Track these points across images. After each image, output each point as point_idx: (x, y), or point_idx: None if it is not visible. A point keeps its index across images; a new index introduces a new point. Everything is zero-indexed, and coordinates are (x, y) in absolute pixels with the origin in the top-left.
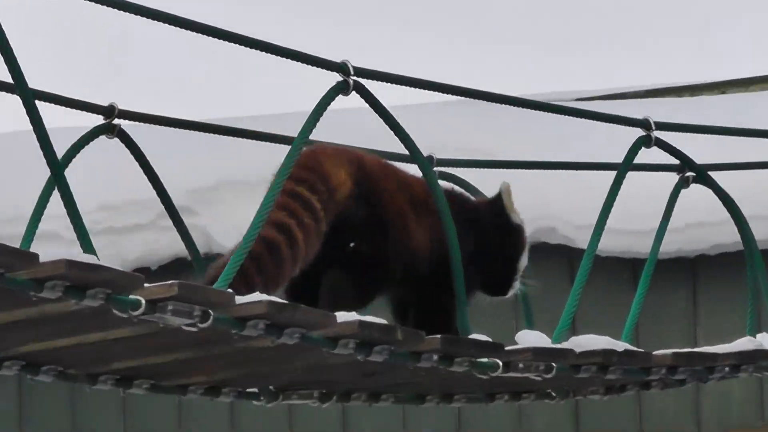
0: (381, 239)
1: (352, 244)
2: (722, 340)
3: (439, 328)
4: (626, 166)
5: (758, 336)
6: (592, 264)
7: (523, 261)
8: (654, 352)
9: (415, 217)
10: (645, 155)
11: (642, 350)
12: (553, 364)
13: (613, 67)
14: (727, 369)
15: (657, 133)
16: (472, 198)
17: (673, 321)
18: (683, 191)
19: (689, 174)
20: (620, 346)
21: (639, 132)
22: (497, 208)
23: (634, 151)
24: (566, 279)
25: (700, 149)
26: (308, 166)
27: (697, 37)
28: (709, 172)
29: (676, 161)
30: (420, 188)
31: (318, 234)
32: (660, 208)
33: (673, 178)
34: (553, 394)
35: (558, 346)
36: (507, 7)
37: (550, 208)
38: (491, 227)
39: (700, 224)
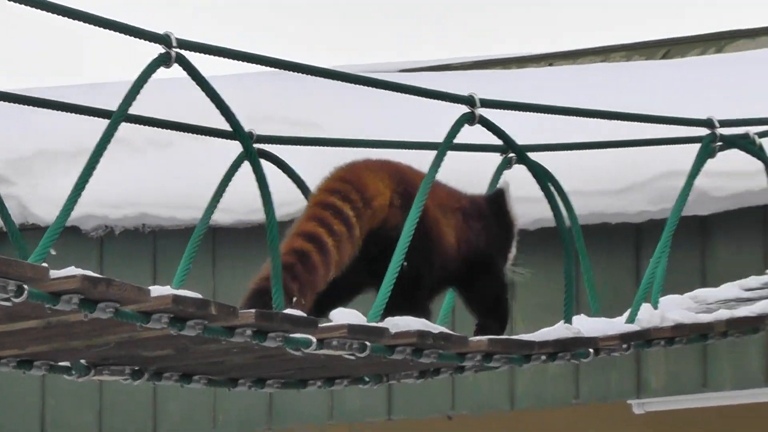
0: (425, 249)
1: (405, 263)
2: (542, 322)
3: (496, 307)
4: (447, 144)
5: (574, 321)
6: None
7: (513, 251)
8: (470, 338)
9: (445, 220)
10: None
11: (458, 334)
12: (367, 342)
13: (440, 38)
14: (543, 357)
15: (481, 111)
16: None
17: None
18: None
19: (512, 155)
20: (435, 328)
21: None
22: (500, 203)
23: (456, 129)
24: None
25: (526, 122)
26: (344, 179)
27: (527, 8)
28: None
29: None
30: (443, 191)
31: (351, 239)
32: (484, 184)
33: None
34: (367, 378)
35: (373, 324)
36: None
37: None
38: (494, 220)
39: (522, 199)
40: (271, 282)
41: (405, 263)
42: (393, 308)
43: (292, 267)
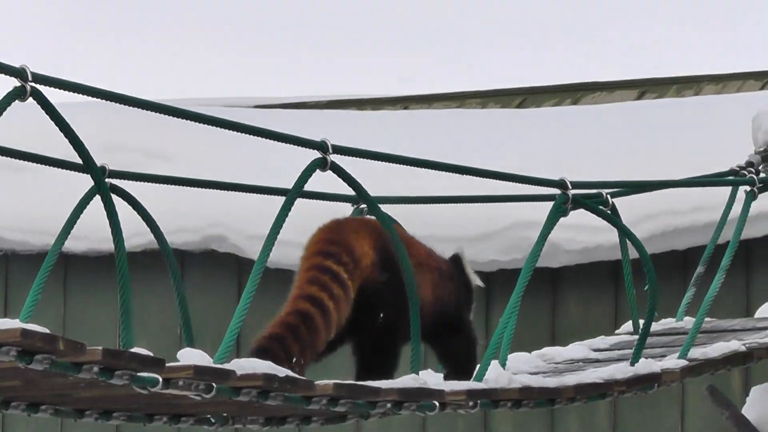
0: (401, 301)
1: (381, 315)
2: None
3: (466, 363)
4: (296, 191)
5: (421, 373)
6: (260, 279)
7: (471, 314)
8: (316, 382)
9: (423, 276)
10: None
11: (303, 378)
12: (213, 384)
13: (296, 76)
14: (389, 405)
15: (334, 157)
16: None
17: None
18: None
19: (363, 206)
20: (282, 371)
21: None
22: (458, 266)
23: (306, 175)
24: (234, 290)
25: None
26: (333, 241)
27: (378, 55)
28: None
29: None
30: (420, 249)
31: (347, 301)
32: None
33: None
34: (212, 419)
35: (220, 366)
36: (185, 8)
37: (221, 216)
38: (458, 280)
39: None
40: (271, 341)
41: (382, 315)
42: (367, 356)
43: (297, 329)
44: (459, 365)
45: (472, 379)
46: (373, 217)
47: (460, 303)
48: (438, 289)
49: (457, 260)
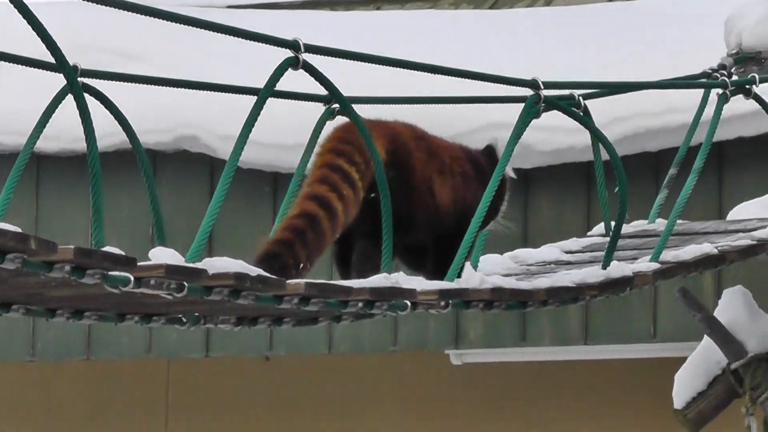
0: (404, 198)
1: (372, 195)
2: None
3: (444, 264)
4: (268, 90)
5: (393, 274)
6: (231, 178)
7: (505, 204)
8: (288, 281)
9: (441, 180)
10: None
11: (275, 277)
12: (185, 283)
13: None
14: (360, 304)
15: (306, 56)
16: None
17: None
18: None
19: (335, 106)
20: (254, 270)
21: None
22: (492, 158)
23: (278, 74)
24: (206, 191)
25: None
26: (347, 140)
27: None
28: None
29: None
30: (448, 154)
31: (356, 203)
32: (309, 123)
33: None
34: (184, 319)
35: (191, 265)
36: None
37: (192, 116)
38: (488, 173)
39: None
40: (280, 246)
41: (372, 195)
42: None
43: (304, 233)
44: (442, 266)
45: (445, 278)
46: (395, 120)
47: (495, 205)
48: (458, 193)
49: (491, 152)
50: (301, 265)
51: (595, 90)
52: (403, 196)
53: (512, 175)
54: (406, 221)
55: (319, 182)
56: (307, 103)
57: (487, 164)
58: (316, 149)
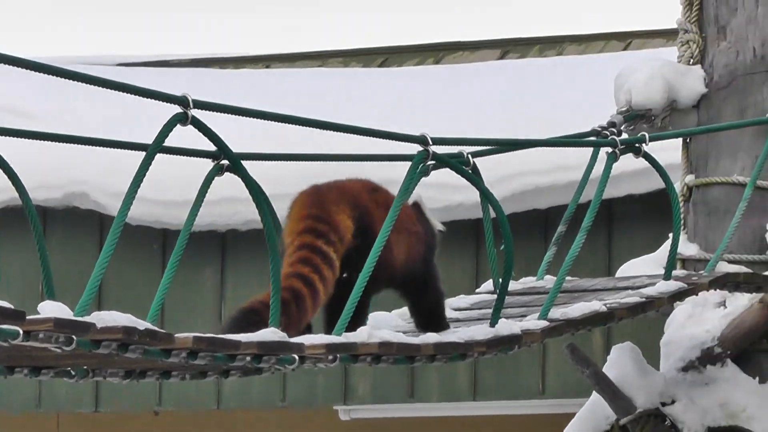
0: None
1: (344, 275)
2: None
3: (435, 315)
4: (157, 145)
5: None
6: (120, 234)
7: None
8: (176, 335)
9: (397, 238)
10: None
11: (164, 331)
12: (74, 336)
13: (159, 36)
14: (248, 358)
15: (195, 112)
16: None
17: (203, 297)
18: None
19: (224, 162)
20: (142, 324)
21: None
22: (420, 213)
23: (166, 129)
24: (96, 247)
25: (242, 127)
26: (321, 218)
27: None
28: (244, 162)
29: None
30: (403, 212)
31: (333, 279)
32: (197, 179)
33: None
34: (72, 372)
35: (80, 318)
36: None
37: (82, 173)
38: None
39: (233, 199)
40: (263, 306)
41: (344, 275)
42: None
43: (288, 305)
44: (428, 317)
45: (332, 333)
46: (349, 180)
47: (429, 258)
48: (412, 251)
49: (417, 207)
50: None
51: (485, 147)
52: (363, 259)
53: (440, 227)
54: (370, 281)
55: (302, 263)
56: (195, 161)
57: (422, 225)
58: (288, 220)
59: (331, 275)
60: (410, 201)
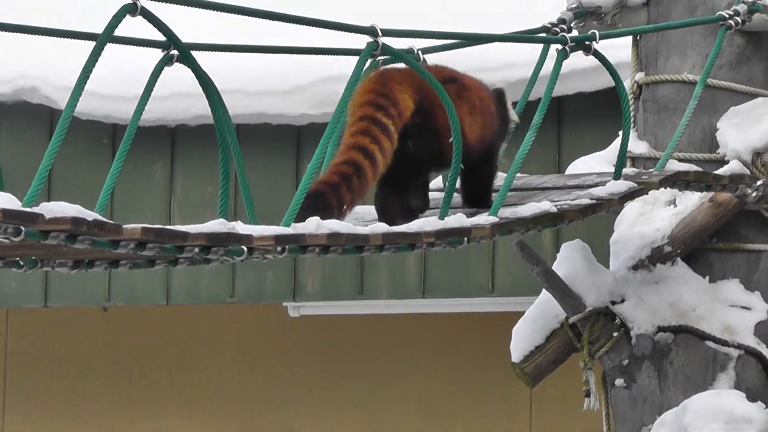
0: (432, 141)
1: (410, 147)
2: (201, 220)
3: (486, 191)
4: (106, 36)
5: (234, 223)
6: (68, 127)
7: (504, 146)
8: (124, 226)
9: (471, 121)
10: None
11: (112, 222)
12: (22, 227)
13: None
14: (197, 249)
15: (145, 2)
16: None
17: (152, 192)
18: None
19: (174, 52)
20: (90, 215)
21: None
22: (501, 101)
23: (116, 20)
24: (46, 141)
25: (194, 20)
26: (382, 93)
27: None
28: (194, 52)
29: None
30: (477, 95)
31: (391, 154)
32: (148, 74)
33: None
34: (21, 262)
35: (28, 209)
36: None
37: (32, 67)
38: (499, 115)
39: (183, 94)
40: (327, 187)
41: (410, 147)
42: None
43: (350, 179)
44: (477, 193)
45: (281, 224)
46: (428, 65)
47: (497, 144)
48: (486, 131)
49: (500, 95)
50: (345, 206)
51: (435, 44)
52: (429, 139)
53: (516, 119)
54: (436, 159)
55: (362, 134)
56: (147, 56)
57: (497, 104)
58: (353, 96)
59: (389, 146)
60: (494, 88)
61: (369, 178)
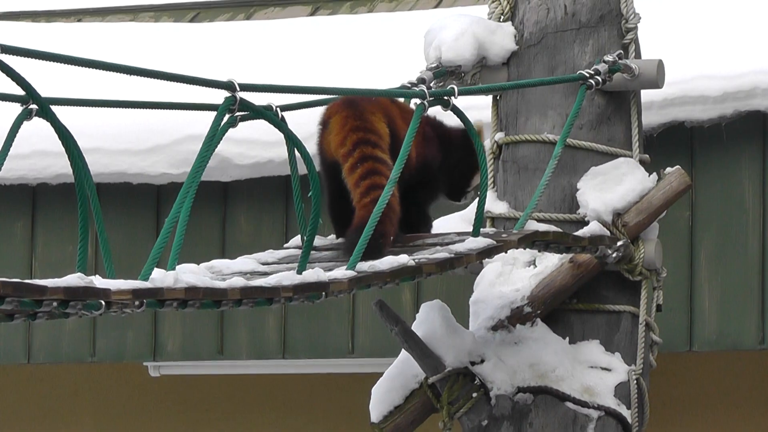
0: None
1: None
2: (57, 272)
3: (418, 217)
4: None
5: (92, 277)
6: None
7: (475, 180)
8: None
9: (416, 141)
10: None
11: None
12: None
13: None
14: (55, 304)
15: (3, 57)
16: (447, 125)
17: (13, 250)
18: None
19: (33, 106)
20: None
21: None
22: (468, 146)
23: None
24: None
25: (55, 78)
26: (367, 129)
27: None
28: (54, 107)
29: None
30: (407, 118)
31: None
32: (3, 132)
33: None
34: None
35: None
36: None
37: None
38: (461, 149)
39: (44, 153)
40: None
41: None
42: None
43: (387, 216)
44: (415, 215)
45: (138, 277)
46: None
47: (434, 166)
48: (420, 150)
49: (466, 138)
50: (391, 238)
51: (294, 102)
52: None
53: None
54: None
55: (375, 174)
56: (4, 112)
57: (461, 136)
58: (333, 133)
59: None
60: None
61: (397, 211)
